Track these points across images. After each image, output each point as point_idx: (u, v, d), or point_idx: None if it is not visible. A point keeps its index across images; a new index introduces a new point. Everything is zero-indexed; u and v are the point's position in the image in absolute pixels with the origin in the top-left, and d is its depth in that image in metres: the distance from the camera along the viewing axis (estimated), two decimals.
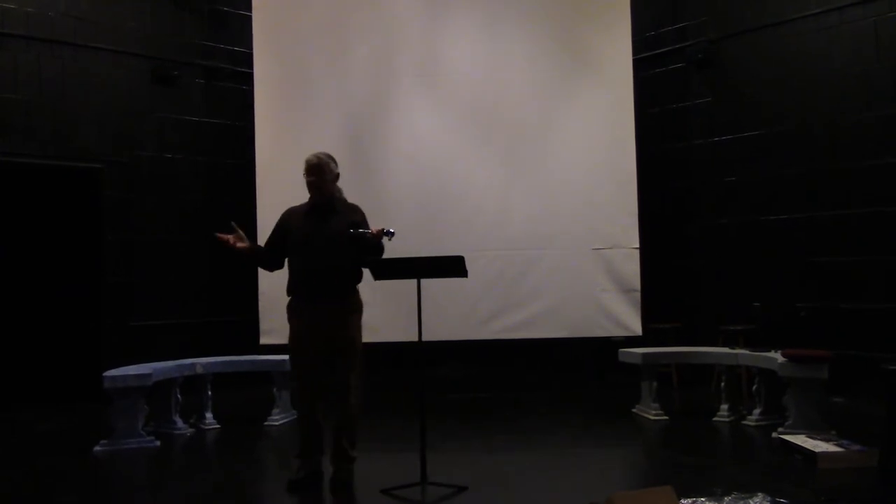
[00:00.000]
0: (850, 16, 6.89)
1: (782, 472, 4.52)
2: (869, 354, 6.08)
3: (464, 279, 4.50)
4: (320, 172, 4.56)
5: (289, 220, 4.66)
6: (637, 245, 7.64)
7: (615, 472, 5.01)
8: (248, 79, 8.02)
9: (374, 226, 4.46)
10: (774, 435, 5.37)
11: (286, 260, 4.64)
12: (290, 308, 4.57)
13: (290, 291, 4.57)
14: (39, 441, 6.04)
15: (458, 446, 5.41)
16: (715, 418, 6.08)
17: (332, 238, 4.46)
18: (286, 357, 6.46)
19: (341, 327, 4.47)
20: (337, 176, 4.67)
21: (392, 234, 4.32)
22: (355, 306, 4.58)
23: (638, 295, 7.62)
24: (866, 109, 6.80)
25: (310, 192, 4.61)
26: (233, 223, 4.60)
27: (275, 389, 6.44)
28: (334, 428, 4.48)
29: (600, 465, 5.09)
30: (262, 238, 7.55)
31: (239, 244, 4.55)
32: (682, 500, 3.52)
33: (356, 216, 4.58)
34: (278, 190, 7.72)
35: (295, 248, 4.54)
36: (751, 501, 3.57)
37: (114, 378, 5.54)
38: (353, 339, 4.51)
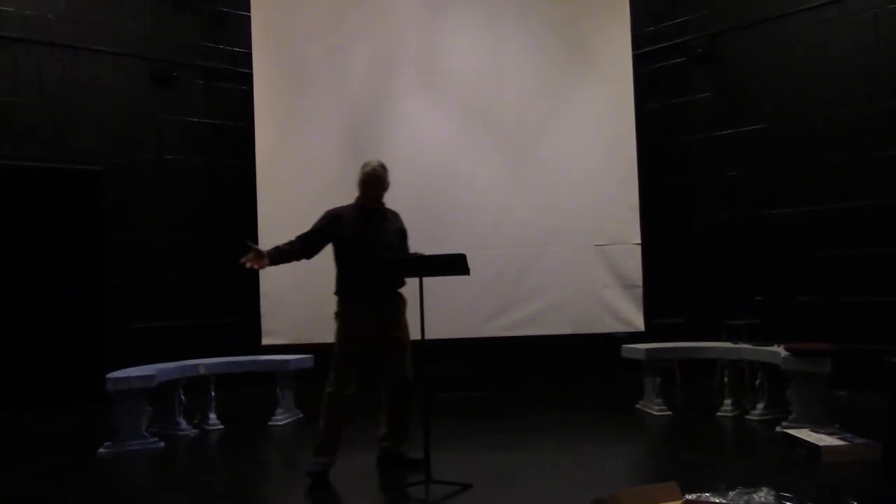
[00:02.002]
0: (851, 8, 6.88)
1: (786, 467, 4.51)
2: (872, 348, 6.06)
3: (466, 277, 4.50)
4: (382, 181, 4.77)
5: (338, 222, 4.73)
6: (639, 241, 7.64)
7: (619, 469, 5.01)
8: (248, 79, 8.02)
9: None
10: (778, 429, 5.36)
11: (333, 262, 4.78)
12: (346, 310, 4.65)
13: (344, 294, 4.66)
14: (43, 443, 6.05)
15: (461, 444, 5.41)
16: (718, 413, 6.08)
17: (389, 243, 4.68)
18: (288, 357, 6.53)
19: (399, 327, 4.71)
20: (388, 186, 4.86)
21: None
22: (404, 305, 4.81)
23: (640, 290, 7.62)
24: (867, 102, 6.79)
25: (367, 198, 4.76)
26: (248, 243, 4.70)
27: (278, 390, 6.44)
28: (403, 415, 4.77)
29: (604, 461, 5.09)
30: (265, 238, 7.65)
31: (258, 265, 4.64)
32: (687, 496, 3.51)
33: (400, 222, 4.86)
34: (278, 190, 7.75)
35: (352, 252, 4.65)
36: (755, 496, 3.56)
37: (117, 380, 5.54)
38: (408, 338, 4.76)
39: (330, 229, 4.74)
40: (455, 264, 4.41)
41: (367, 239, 4.63)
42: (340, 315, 4.69)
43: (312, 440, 5.91)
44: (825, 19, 7.04)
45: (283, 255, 4.73)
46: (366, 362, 4.68)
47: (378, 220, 4.76)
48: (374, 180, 4.73)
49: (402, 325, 4.75)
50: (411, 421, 4.80)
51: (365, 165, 4.79)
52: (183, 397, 6.18)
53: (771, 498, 3.55)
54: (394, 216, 4.87)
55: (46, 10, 7.34)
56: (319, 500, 4.46)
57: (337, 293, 4.72)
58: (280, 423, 6.33)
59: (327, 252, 7.50)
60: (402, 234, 4.86)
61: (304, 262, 7.53)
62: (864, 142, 6.78)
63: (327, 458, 4.63)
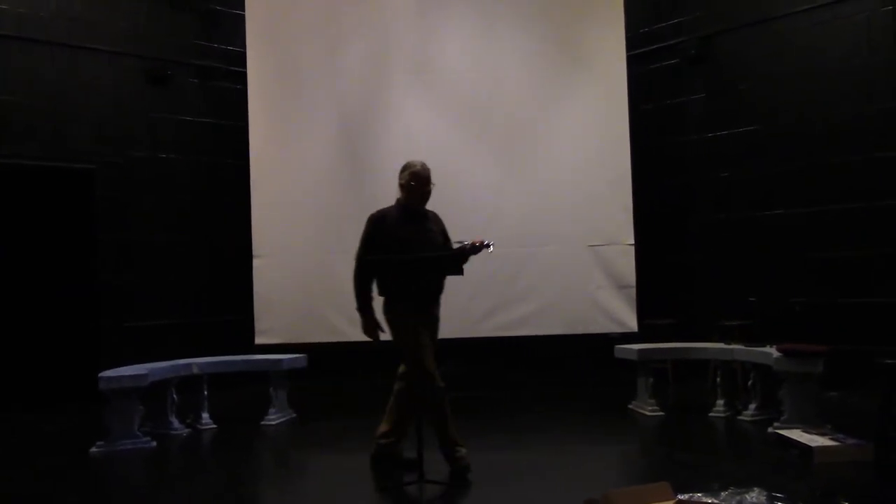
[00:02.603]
0: (844, 11, 6.91)
1: (778, 467, 4.53)
2: (864, 349, 6.09)
3: (460, 277, 4.51)
4: (428, 182, 4.70)
5: (382, 223, 4.66)
6: (632, 241, 7.66)
7: (611, 469, 5.02)
8: (242, 78, 8.00)
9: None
10: (770, 430, 5.37)
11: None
12: (397, 309, 4.56)
13: (393, 295, 4.58)
14: (36, 441, 6.03)
15: None
16: (711, 414, 6.09)
17: (433, 243, 4.62)
18: (282, 357, 6.52)
19: (437, 330, 4.71)
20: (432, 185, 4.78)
21: (490, 246, 4.40)
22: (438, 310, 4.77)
23: (633, 291, 7.63)
24: (861, 104, 6.81)
25: (416, 200, 4.69)
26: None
27: (271, 389, 6.42)
28: (447, 422, 4.58)
29: (596, 461, 5.10)
30: (259, 237, 7.64)
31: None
32: (679, 496, 3.52)
33: (441, 223, 4.81)
34: (273, 188, 7.74)
35: (397, 252, 4.52)
36: (747, 496, 3.58)
37: (109, 379, 5.53)
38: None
39: (376, 233, 4.65)
40: (449, 264, 4.42)
41: (411, 240, 4.54)
42: (393, 313, 4.57)
43: (305, 440, 5.96)
44: (819, 21, 7.07)
45: (368, 296, 4.66)
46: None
47: (421, 220, 4.68)
48: (420, 180, 4.65)
49: (437, 331, 4.73)
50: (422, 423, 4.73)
51: (409, 166, 4.70)
52: (175, 396, 6.16)
53: (763, 498, 3.57)
54: (435, 217, 4.80)
55: (40, 9, 7.31)
56: (312, 499, 4.46)
57: (382, 294, 4.62)
58: (273, 422, 6.31)
59: (320, 252, 7.58)
60: (444, 235, 4.79)
61: (297, 262, 7.65)
62: (859, 144, 6.81)
63: (389, 441, 4.75)
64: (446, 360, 8.12)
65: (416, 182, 4.65)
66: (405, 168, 4.72)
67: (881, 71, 6.68)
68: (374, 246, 4.61)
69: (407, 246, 4.51)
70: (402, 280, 4.52)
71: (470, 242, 4.45)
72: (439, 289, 4.68)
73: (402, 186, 4.71)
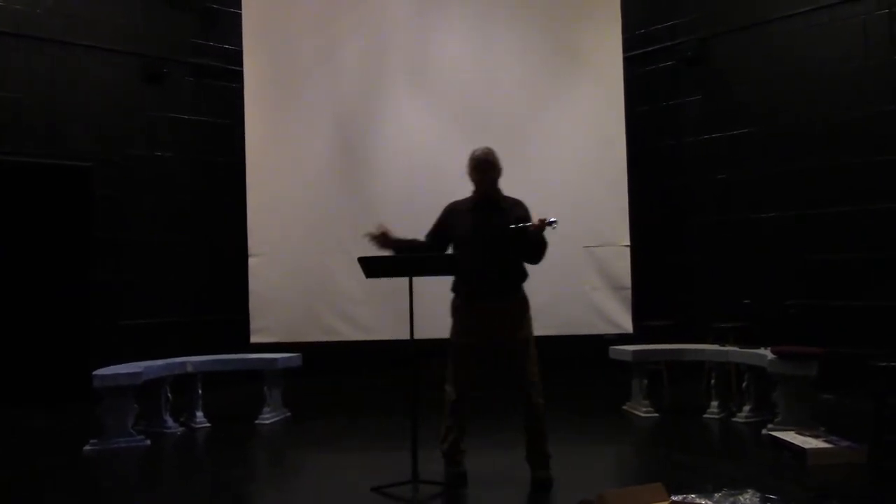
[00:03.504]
0: (839, 14, 6.92)
1: (772, 469, 4.54)
2: (858, 351, 6.10)
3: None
4: (491, 168, 4.48)
5: (451, 215, 4.56)
6: (628, 243, 7.65)
7: (606, 470, 5.02)
8: (238, 77, 7.98)
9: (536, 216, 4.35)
10: (764, 432, 5.39)
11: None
12: (455, 306, 4.48)
13: (455, 289, 4.49)
14: (29, 440, 6.01)
15: None
16: (705, 415, 6.10)
17: (498, 235, 4.34)
18: (277, 356, 6.51)
19: (513, 328, 4.38)
20: (501, 171, 4.57)
21: (555, 223, 4.20)
22: (524, 304, 4.48)
23: (629, 292, 7.62)
24: (855, 107, 6.83)
25: (476, 187, 4.51)
26: (381, 225, 4.45)
27: (265, 388, 6.42)
28: (528, 429, 4.44)
29: (591, 462, 5.11)
30: (255, 236, 7.63)
31: (378, 242, 4.43)
32: (673, 497, 3.53)
33: (520, 211, 4.47)
34: (268, 187, 7.72)
35: (460, 245, 4.43)
36: (741, 498, 3.59)
37: (103, 377, 5.52)
38: (528, 338, 4.44)
39: (443, 223, 4.56)
40: (445, 264, 4.42)
41: (475, 231, 4.38)
42: (452, 310, 4.50)
43: (300, 439, 5.95)
44: (814, 24, 7.08)
45: (413, 248, 4.50)
46: (482, 362, 4.45)
47: (490, 211, 4.44)
48: (476, 166, 4.48)
49: (520, 326, 4.42)
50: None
51: (473, 153, 4.53)
52: (170, 395, 6.15)
53: (756, 500, 3.58)
54: (514, 205, 4.52)
55: (35, 5, 7.29)
56: (307, 498, 4.45)
57: (452, 289, 4.54)
58: (267, 421, 6.31)
59: (316, 251, 7.57)
60: (517, 222, 4.39)
61: (293, 261, 7.64)
62: (855, 146, 6.82)
63: (452, 461, 4.43)
64: (441, 359, 8.19)
65: (473, 168, 4.49)
66: (470, 154, 4.54)
67: (877, 74, 6.69)
68: (438, 234, 4.53)
69: (467, 239, 4.39)
70: (460, 274, 4.41)
71: (531, 224, 4.25)
72: (498, 288, 4.38)
73: (469, 175, 4.54)
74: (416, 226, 7.39)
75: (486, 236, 4.33)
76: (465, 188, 7.64)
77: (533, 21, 7.86)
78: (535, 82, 7.83)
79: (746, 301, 6.92)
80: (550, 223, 4.20)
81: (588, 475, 4.70)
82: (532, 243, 4.34)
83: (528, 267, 4.53)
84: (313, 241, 7.61)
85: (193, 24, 8.25)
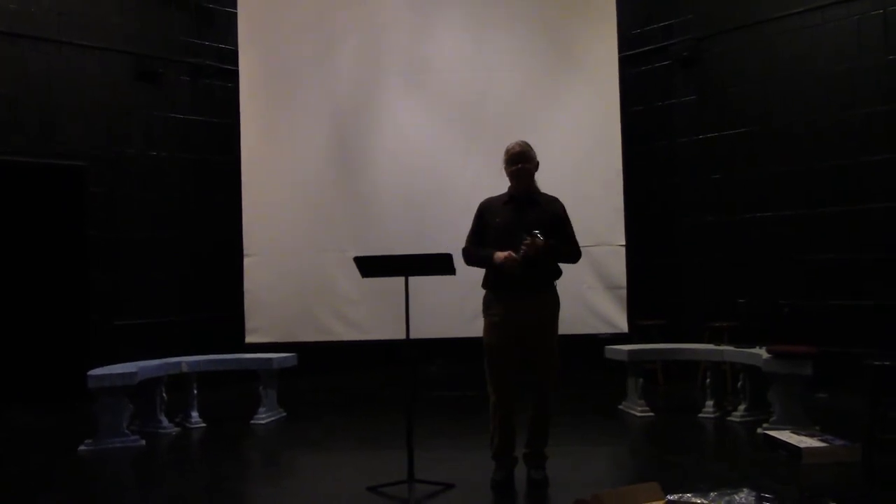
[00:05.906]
0: (834, 14, 6.94)
1: (767, 468, 4.55)
2: (853, 350, 6.12)
3: (451, 276, 4.50)
4: (526, 161, 4.41)
5: (487, 211, 4.50)
6: (623, 242, 7.65)
7: (601, 469, 5.03)
8: (234, 76, 7.97)
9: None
10: (759, 431, 5.40)
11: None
12: (486, 303, 4.41)
13: (486, 285, 4.42)
14: (23, 439, 6.00)
15: (446, 444, 5.41)
16: (700, 415, 6.11)
17: (523, 232, 4.23)
18: (272, 355, 6.50)
19: (538, 326, 4.31)
20: (537, 165, 4.51)
21: (536, 233, 4.15)
22: (553, 304, 4.40)
23: (624, 292, 7.63)
24: (850, 107, 6.85)
25: (512, 182, 4.45)
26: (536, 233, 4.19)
27: (261, 388, 6.42)
28: (532, 428, 4.40)
29: (586, 462, 5.11)
30: (249, 235, 7.62)
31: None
32: (668, 497, 3.53)
33: (556, 207, 4.45)
34: (264, 187, 7.71)
35: (494, 240, 4.35)
36: (736, 497, 3.59)
37: (99, 377, 5.51)
38: (551, 341, 4.37)
39: (479, 220, 4.50)
40: (441, 264, 4.41)
41: (509, 226, 4.29)
42: (483, 307, 4.42)
43: (295, 439, 5.95)
44: (809, 25, 7.10)
45: (480, 254, 4.41)
46: (511, 362, 4.33)
47: (525, 206, 4.38)
48: (515, 157, 4.39)
49: (544, 326, 4.34)
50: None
51: (508, 146, 4.47)
52: (165, 395, 6.15)
53: (751, 499, 3.58)
54: (549, 202, 4.47)
55: (31, 4, 7.27)
56: (301, 498, 4.45)
57: (482, 284, 4.46)
58: (262, 421, 6.30)
59: (311, 251, 7.56)
60: (557, 219, 4.40)
61: (288, 261, 7.63)
62: (848, 147, 6.84)
63: (502, 461, 4.36)
64: (437, 358, 8.20)
65: (508, 162, 4.42)
66: (506, 149, 4.46)
67: (871, 74, 6.72)
68: (477, 234, 4.48)
69: (501, 234, 4.32)
70: (489, 270, 4.37)
71: (524, 250, 4.15)
72: (528, 285, 4.27)
73: (504, 170, 4.46)
74: (412, 225, 7.48)
75: (520, 231, 4.22)
76: (462, 187, 7.69)
77: (528, 21, 7.85)
78: (531, 82, 7.83)
79: (741, 300, 6.92)
80: (533, 234, 4.15)
81: (583, 475, 4.70)
82: (553, 258, 4.31)
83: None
84: (309, 241, 7.60)
85: (189, 23, 8.24)
